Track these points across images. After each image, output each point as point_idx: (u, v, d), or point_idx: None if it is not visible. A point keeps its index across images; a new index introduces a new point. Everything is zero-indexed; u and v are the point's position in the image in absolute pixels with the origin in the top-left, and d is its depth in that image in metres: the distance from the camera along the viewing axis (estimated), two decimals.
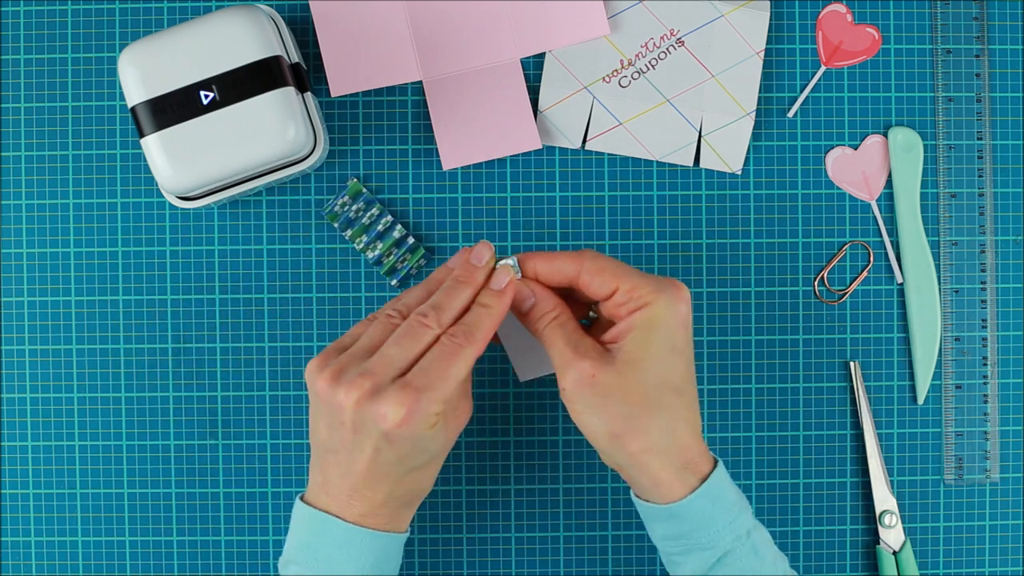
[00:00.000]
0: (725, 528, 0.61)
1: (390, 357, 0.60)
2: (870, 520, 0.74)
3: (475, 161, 0.73)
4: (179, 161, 0.65)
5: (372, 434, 0.60)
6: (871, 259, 0.74)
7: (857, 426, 0.74)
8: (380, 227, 0.73)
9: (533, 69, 0.74)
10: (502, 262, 0.63)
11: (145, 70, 0.65)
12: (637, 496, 0.64)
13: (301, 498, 0.64)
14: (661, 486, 0.62)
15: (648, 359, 0.60)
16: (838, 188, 0.75)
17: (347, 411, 0.60)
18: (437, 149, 0.74)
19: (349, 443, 0.61)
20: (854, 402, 0.74)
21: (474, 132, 0.73)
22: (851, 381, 0.74)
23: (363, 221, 0.73)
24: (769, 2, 0.74)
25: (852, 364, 0.74)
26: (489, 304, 0.63)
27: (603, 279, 0.61)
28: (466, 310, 0.63)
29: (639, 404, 0.60)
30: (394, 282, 0.73)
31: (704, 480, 0.61)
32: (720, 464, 0.62)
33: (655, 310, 0.60)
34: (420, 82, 0.74)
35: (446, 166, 0.73)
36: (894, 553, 0.73)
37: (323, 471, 0.62)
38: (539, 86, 0.74)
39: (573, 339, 0.62)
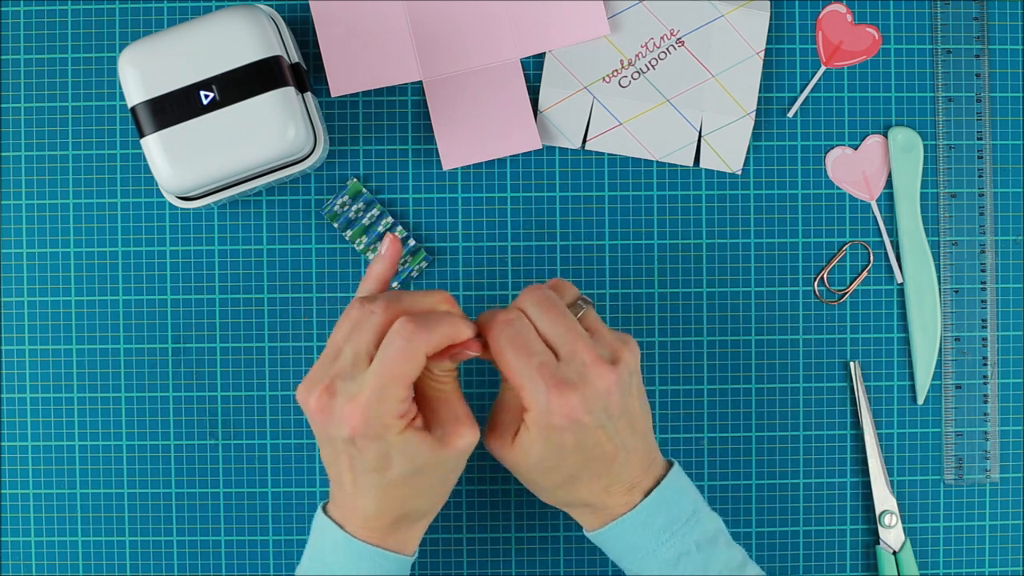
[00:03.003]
0: (649, 555, 0.62)
1: (344, 357, 0.59)
2: (870, 520, 0.74)
3: (475, 161, 0.73)
4: (179, 161, 0.65)
5: (334, 439, 0.59)
6: (871, 259, 0.74)
7: (857, 426, 0.74)
8: (381, 228, 0.73)
9: (533, 69, 0.74)
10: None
11: (145, 70, 0.65)
12: None
13: (323, 506, 0.64)
14: (581, 521, 0.65)
15: (535, 457, 0.61)
16: (838, 188, 0.75)
17: (316, 424, 0.59)
18: (437, 149, 0.74)
19: (330, 456, 0.61)
20: (854, 402, 0.74)
21: (474, 132, 0.73)
22: (851, 381, 0.74)
23: (363, 222, 0.73)
24: (769, 2, 0.74)
25: (852, 364, 0.74)
26: (437, 298, 0.61)
27: (496, 359, 0.60)
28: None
29: (534, 478, 0.63)
30: (395, 284, 0.73)
31: (613, 521, 0.62)
32: (652, 492, 0.62)
33: (535, 418, 0.59)
34: (420, 82, 0.74)
35: (446, 166, 0.73)
36: (894, 553, 0.73)
37: (331, 484, 0.63)
38: (539, 86, 0.74)
39: (499, 414, 0.63)
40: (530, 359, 0.59)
